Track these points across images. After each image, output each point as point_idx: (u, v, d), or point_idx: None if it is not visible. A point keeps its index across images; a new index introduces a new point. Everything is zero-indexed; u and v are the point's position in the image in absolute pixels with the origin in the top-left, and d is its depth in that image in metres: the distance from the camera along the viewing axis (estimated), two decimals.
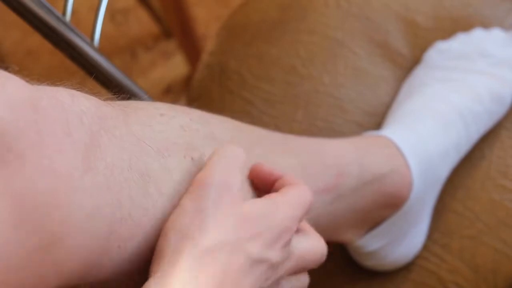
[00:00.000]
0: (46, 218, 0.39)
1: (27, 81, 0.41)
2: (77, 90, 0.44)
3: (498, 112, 0.72)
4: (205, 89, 0.81)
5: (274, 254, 0.47)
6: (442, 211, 0.71)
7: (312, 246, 0.52)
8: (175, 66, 1.41)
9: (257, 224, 0.47)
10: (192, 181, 0.47)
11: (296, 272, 0.51)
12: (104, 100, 0.46)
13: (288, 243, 0.49)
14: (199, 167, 0.49)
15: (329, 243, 0.72)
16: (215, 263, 0.44)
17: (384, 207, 0.65)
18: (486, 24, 0.77)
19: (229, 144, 0.50)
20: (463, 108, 0.69)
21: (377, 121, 0.75)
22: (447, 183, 0.71)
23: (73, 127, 0.41)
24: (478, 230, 0.69)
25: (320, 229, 0.62)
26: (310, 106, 0.76)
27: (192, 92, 0.82)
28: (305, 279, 0.53)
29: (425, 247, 0.70)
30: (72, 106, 0.42)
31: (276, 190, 0.51)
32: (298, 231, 0.52)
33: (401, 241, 0.68)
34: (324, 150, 0.62)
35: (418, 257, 0.70)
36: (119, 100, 0.50)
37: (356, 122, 0.75)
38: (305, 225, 0.53)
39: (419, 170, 0.65)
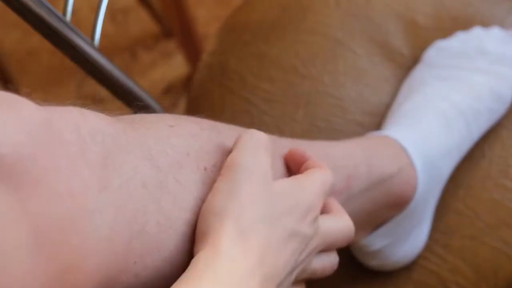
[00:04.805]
0: (63, 244, 0.39)
1: (37, 103, 0.40)
2: (86, 109, 0.44)
3: (498, 110, 0.72)
4: (205, 89, 0.81)
5: (305, 228, 0.50)
6: (443, 211, 0.71)
7: (338, 225, 0.55)
8: (175, 66, 1.41)
9: (288, 200, 0.50)
10: (224, 164, 0.50)
11: (325, 249, 0.54)
12: (113, 116, 0.46)
13: (315, 219, 0.51)
14: (213, 177, 0.50)
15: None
16: (256, 237, 0.47)
17: (391, 207, 0.65)
18: (486, 24, 0.77)
19: (252, 130, 0.53)
20: (464, 106, 0.69)
21: (378, 120, 0.75)
22: (448, 182, 0.71)
23: (86, 147, 0.41)
24: (479, 230, 0.69)
25: None
26: (310, 106, 0.76)
27: (192, 92, 0.82)
28: (334, 257, 0.55)
29: (426, 246, 0.70)
30: (84, 125, 0.42)
31: (302, 172, 0.54)
32: (326, 211, 0.55)
33: (405, 241, 0.68)
34: (332, 152, 0.62)
35: (419, 256, 0.70)
36: (127, 113, 0.50)
37: (357, 122, 0.75)
38: (334, 206, 0.56)
39: (424, 169, 0.65)
